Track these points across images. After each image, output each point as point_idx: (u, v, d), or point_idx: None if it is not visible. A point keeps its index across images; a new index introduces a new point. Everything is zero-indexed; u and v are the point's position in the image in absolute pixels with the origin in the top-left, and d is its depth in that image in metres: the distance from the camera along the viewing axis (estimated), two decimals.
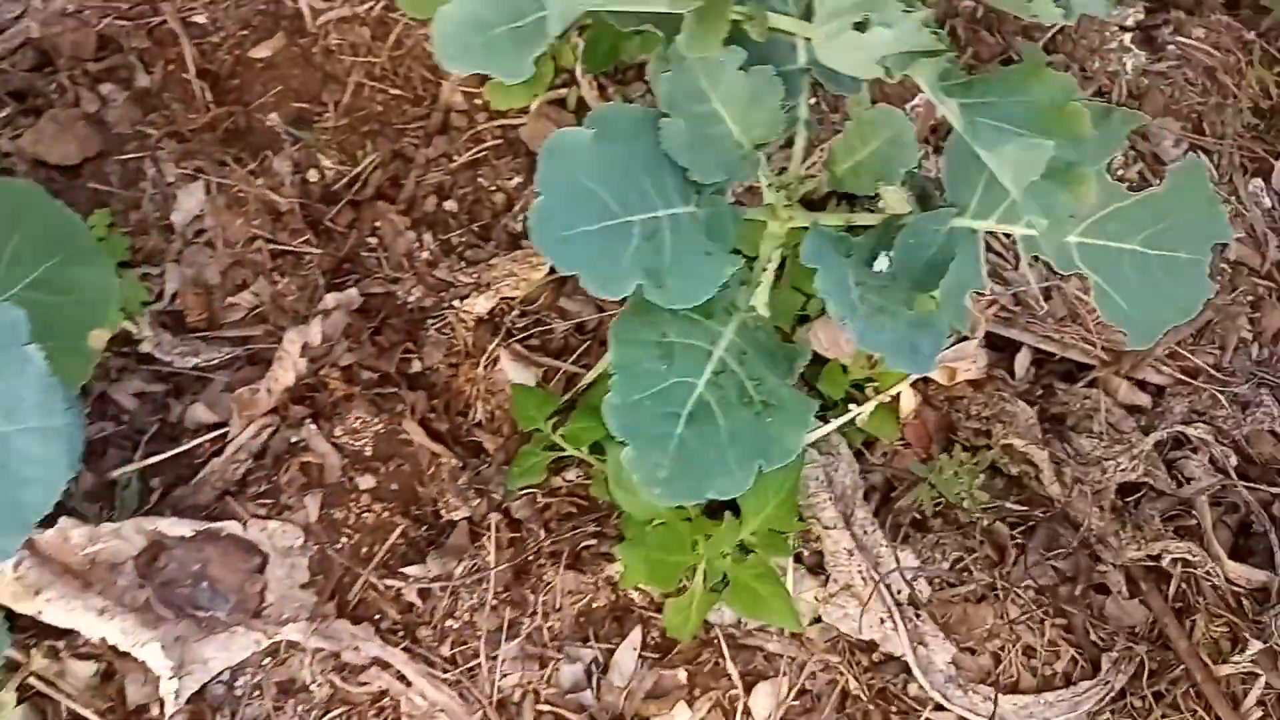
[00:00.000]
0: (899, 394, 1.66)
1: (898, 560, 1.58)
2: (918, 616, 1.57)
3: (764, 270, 1.40)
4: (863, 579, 1.56)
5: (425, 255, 1.94)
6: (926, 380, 1.70)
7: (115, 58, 2.01)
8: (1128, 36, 1.93)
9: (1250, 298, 1.85)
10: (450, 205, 1.97)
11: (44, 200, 1.54)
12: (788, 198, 1.38)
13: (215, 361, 1.85)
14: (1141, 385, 1.74)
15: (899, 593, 1.57)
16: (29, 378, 1.15)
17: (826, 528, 1.58)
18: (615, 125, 1.21)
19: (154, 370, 1.85)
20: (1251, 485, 1.68)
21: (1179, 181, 1.22)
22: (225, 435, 1.81)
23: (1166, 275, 1.21)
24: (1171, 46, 1.94)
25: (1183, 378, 1.72)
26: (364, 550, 1.70)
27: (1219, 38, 1.97)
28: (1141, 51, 1.93)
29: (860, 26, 0.98)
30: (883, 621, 1.55)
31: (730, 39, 1.20)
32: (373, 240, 1.95)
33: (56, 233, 1.53)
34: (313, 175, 1.97)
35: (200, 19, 2.02)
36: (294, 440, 1.82)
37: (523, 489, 1.75)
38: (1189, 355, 1.75)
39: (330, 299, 1.87)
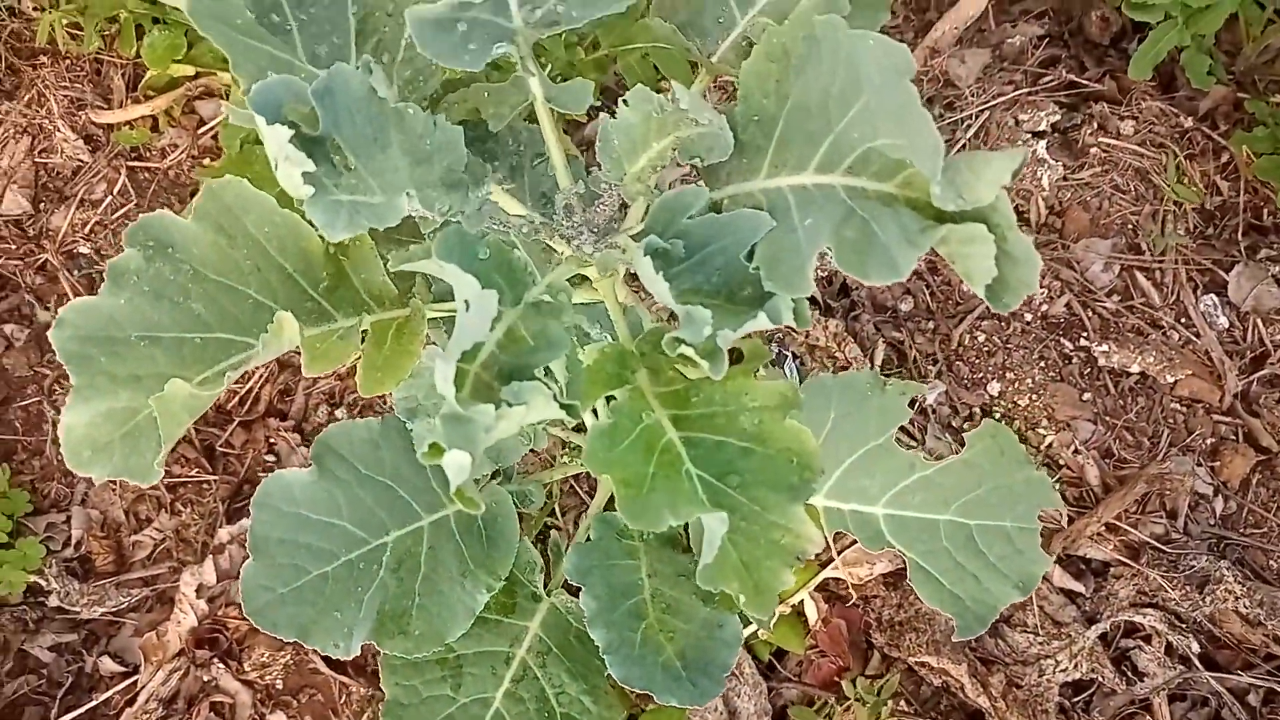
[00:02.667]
0: (802, 601, 1.50)
1: None
2: None
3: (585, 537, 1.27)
4: None
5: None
6: (836, 578, 1.54)
7: (13, 297, 2.02)
8: (1042, 145, 1.70)
9: (1209, 440, 1.59)
10: (341, 414, 1.90)
11: None
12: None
13: (125, 605, 1.84)
14: (1079, 566, 1.51)
15: None
16: None
17: None
18: (349, 446, 1.11)
19: (67, 619, 1.84)
20: (1220, 674, 1.43)
21: (986, 445, 1.04)
22: (136, 682, 1.80)
23: (994, 546, 1.03)
24: (1095, 149, 1.70)
25: (1125, 559, 1.49)
26: None
27: (1151, 130, 1.71)
28: (1059, 160, 1.69)
29: None
30: None
31: None
32: (270, 458, 1.90)
33: None
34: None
35: (84, 249, 2.01)
36: (205, 680, 1.80)
37: None
38: (1131, 529, 1.51)
39: (224, 533, 1.83)
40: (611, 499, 1.31)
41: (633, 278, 1.18)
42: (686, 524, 1.15)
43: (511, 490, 1.19)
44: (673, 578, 1.14)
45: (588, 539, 1.12)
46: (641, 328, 1.09)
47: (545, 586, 1.23)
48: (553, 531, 1.34)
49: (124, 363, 0.93)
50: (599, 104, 1.74)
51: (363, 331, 1.00)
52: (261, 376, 1.93)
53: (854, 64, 0.81)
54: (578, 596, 1.26)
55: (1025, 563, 1.04)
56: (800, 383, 1.26)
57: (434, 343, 1.07)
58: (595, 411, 1.06)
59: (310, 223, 1.00)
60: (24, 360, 1.98)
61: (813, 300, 1.68)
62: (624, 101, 0.94)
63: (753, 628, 1.52)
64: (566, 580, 1.28)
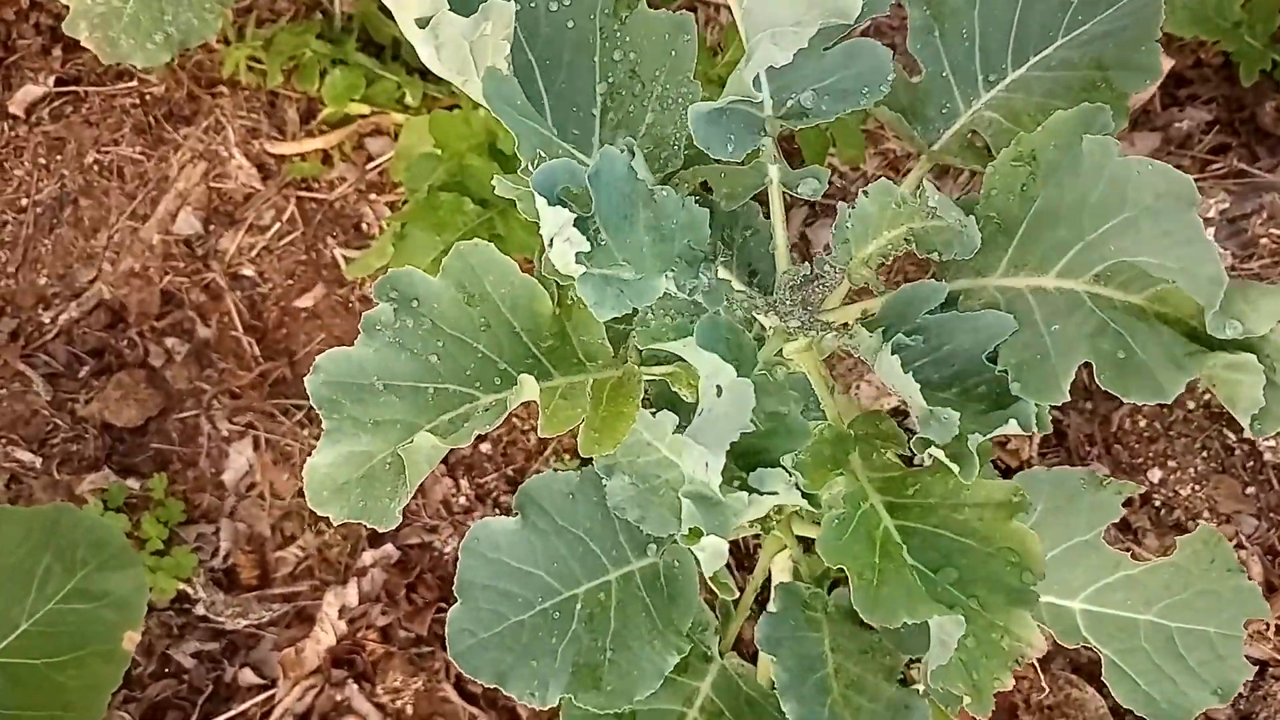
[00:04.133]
0: None
1: None
2: None
3: (751, 600, 1.29)
4: None
5: (461, 501, 1.93)
6: None
7: (177, 313, 2.11)
8: (1210, 232, 1.69)
9: None
10: (485, 448, 1.95)
11: (74, 514, 1.61)
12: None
13: (265, 619, 1.90)
14: None
15: None
16: None
17: None
18: (548, 498, 1.15)
19: (210, 628, 1.91)
20: None
21: (1198, 550, 1.04)
22: (274, 696, 1.85)
23: (1195, 650, 1.02)
24: (1265, 240, 1.69)
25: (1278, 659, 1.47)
26: None
27: None
28: (1228, 249, 1.68)
29: None
30: None
31: (659, 402, 1.12)
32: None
33: (89, 541, 1.61)
34: None
35: (248, 271, 2.09)
36: (338, 699, 1.85)
37: None
38: None
39: (367, 556, 1.89)
40: (776, 574, 1.32)
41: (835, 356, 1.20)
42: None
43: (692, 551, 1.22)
44: (855, 653, 1.15)
45: (774, 608, 1.14)
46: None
47: (718, 649, 1.25)
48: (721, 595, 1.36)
49: (367, 409, 0.98)
50: None
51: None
52: None
53: (1117, 181, 0.82)
54: (748, 660, 1.28)
55: (1226, 670, 1.04)
56: None
57: (649, 406, 1.11)
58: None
59: (545, 285, 1.05)
60: (184, 374, 2.07)
61: None
62: (864, 192, 0.97)
63: None
64: (734, 643, 1.30)
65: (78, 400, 2.05)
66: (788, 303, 1.04)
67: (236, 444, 2.00)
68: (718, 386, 0.83)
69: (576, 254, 0.83)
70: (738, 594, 1.16)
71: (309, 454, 2.03)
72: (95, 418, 2.03)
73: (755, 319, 1.08)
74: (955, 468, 0.81)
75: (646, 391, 1.19)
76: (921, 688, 1.10)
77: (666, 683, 1.19)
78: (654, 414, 1.12)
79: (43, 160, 2.22)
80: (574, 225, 0.83)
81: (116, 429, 2.03)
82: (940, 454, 0.82)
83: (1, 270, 2.17)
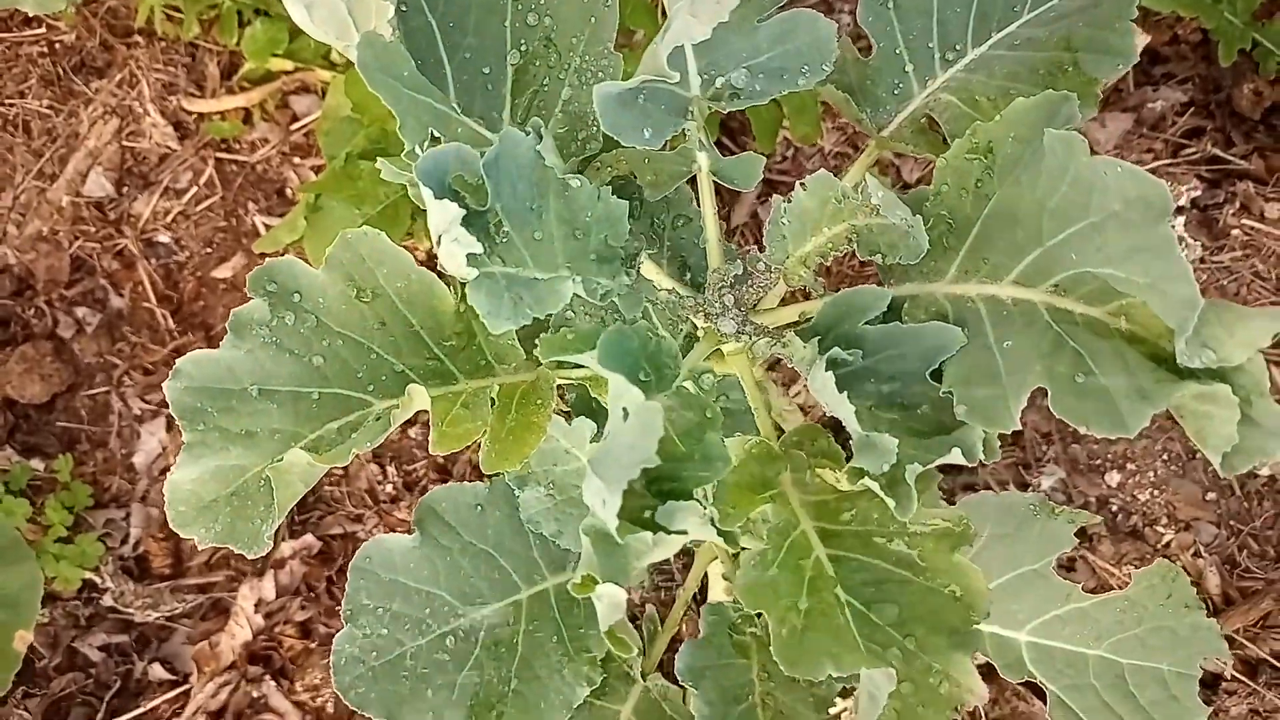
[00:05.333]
0: None
1: None
2: None
3: (681, 615, 1.21)
4: None
5: (388, 490, 1.82)
6: None
7: (88, 281, 1.97)
8: (1180, 221, 1.60)
9: None
10: (415, 433, 1.84)
11: None
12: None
13: (178, 611, 1.80)
14: None
15: None
16: None
17: None
18: (453, 511, 1.04)
19: (119, 620, 1.80)
20: None
21: (1153, 584, 0.95)
22: (187, 692, 1.75)
23: (1147, 689, 0.94)
24: (1237, 231, 1.60)
25: (1241, 676, 1.40)
26: None
27: None
28: (1198, 239, 1.59)
29: None
30: None
31: (577, 407, 1.02)
32: (337, 471, 1.85)
33: None
34: None
35: (164, 238, 1.96)
36: (255, 696, 1.75)
37: None
38: (1249, 644, 1.42)
39: (286, 547, 1.78)
40: (711, 583, 1.23)
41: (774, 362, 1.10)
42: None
43: None
44: (785, 681, 1.06)
45: (703, 632, 1.05)
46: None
47: (640, 669, 1.16)
48: (648, 606, 1.27)
49: (238, 418, 0.86)
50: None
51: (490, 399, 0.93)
52: None
53: (1082, 183, 0.72)
54: (672, 681, 1.19)
55: (1179, 710, 0.96)
56: None
57: (560, 412, 1.00)
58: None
59: (447, 282, 0.94)
60: (94, 347, 1.93)
61: None
62: (802, 185, 0.86)
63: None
64: (660, 663, 1.21)
65: None
66: (718, 304, 0.93)
67: (149, 424, 1.88)
68: (624, 409, 0.73)
69: (468, 255, 0.72)
70: (637, 653, 1.07)
71: None
72: None
73: (681, 315, 0.98)
74: (890, 501, 0.72)
75: (563, 396, 1.09)
76: None
77: (584, 706, 1.10)
78: (571, 422, 1.02)
79: None
80: (469, 220, 0.71)
81: (20, 405, 1.89)
82: (874, 485, 0.72)
83: None
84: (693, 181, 0.98)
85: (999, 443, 0.80)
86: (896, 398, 0.81)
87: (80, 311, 1.97)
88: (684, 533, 0.70)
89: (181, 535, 0.86)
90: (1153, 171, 1.69)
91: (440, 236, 0.73)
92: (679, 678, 1.01)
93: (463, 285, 0.94)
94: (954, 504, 0.99)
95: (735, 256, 0.95)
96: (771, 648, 0.74)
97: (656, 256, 1.05)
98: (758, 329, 0.93)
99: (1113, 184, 0.69)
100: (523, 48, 0.92)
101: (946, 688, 0.80)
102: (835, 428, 1.00)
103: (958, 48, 0.97)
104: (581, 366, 0.97)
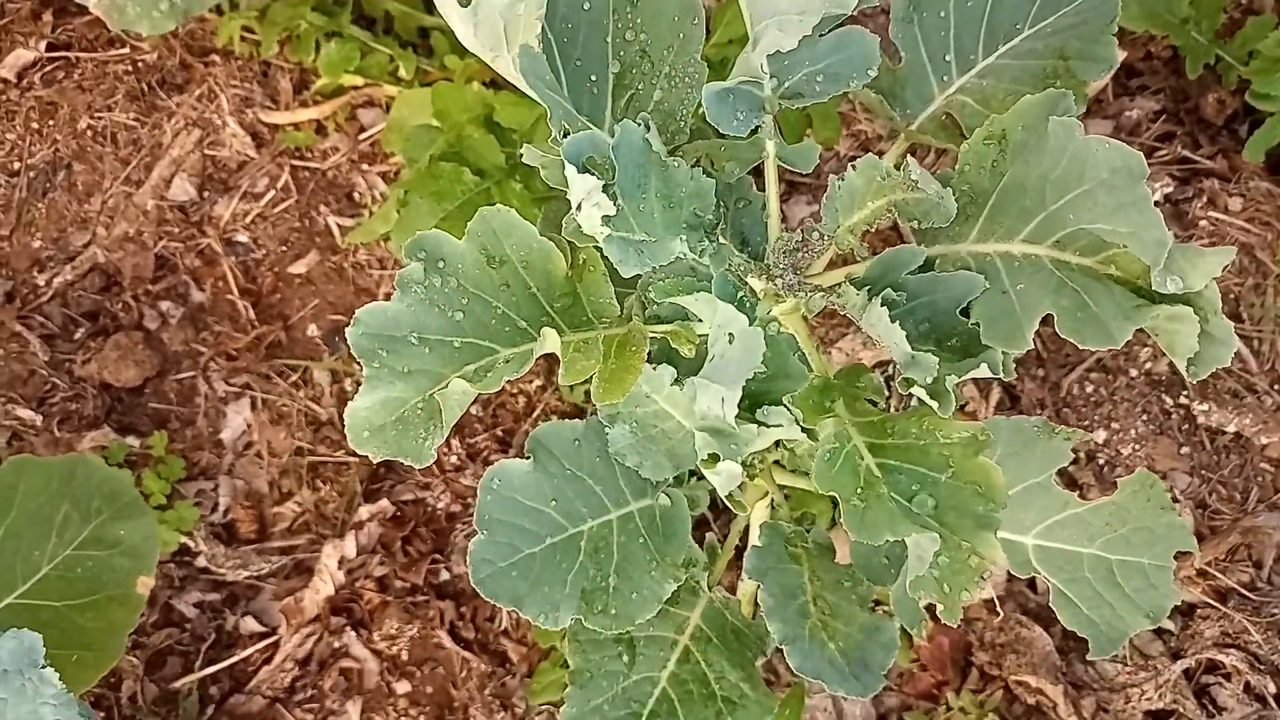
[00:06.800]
0: None
1: None
2: None
3: (735, 543, 1.41)
4: None
5: (453, 460, 2.02)
6: None
7: (171, 278, 2.17)
8: None
9: None
10: (475, 410, 2.04)
11: (90, 465, 1.69)
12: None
13: (264, 571, 1.98)
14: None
15: None
16: (47, 698, 1.27)
17: None
18: (556, 444, 1.25)
19: (211, 579, 1.99)
20: None
21: (1135, 490, 1.17)
22: (275, 643, 1.94)
23: (1131, 581, 1.16)
24: (1204, 222, 1.83)
25: (1212, 601, 1.62)
26: None
27: (1258, 209, 1.84)
28: (1171, 230, 1.81)
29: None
30: None
31: (658, 358, 1.23)
32: None
33: (103, 492, 1.68)
34: (349, 384, 2.08)
35: (243, 238, 2.16)
36: (337, 646, 1.94)
37: (542, 704, 1.80)
38: (1220, 575, 1.64)
39: (364, 511, 1.98)
40: (769, 507, 1.44)
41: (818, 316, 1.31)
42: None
43: (685, 494, 1.33)
44: (832, 584, 1.27)
45: (760, 543, 1.25)
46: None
47: (706, 582, 1.36)
48: (708, 535, 1.47)
49: (400, 359, 1.07)
50: None
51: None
52: None
53: (1078, 157, 0.94)
54: (732, 594, 1.40)
55: (1158, 596, 1.17)
56: None
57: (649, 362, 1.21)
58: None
59: (566, 250, 1.15)
60: (179, 336, 2.13)
61: None
62: (852, 167, 1.08)
63: None
64: (724, 578, 1.42)
65: (75, 361, 2.11)
66: (780, 266, 1.15)
67: (234, 404, 2.08)
68: (729, 334, 0.94)
69: (603, 217, 0.94)
70: (749, 509, 1.27)
71: (304, 413, 2.11)
72: (94, 377, 2.09)
73: (746, 283, 1.19)
74: (934, 404, 0.93)
75: (650, 347, 1.30)
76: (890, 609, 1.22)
77: (661, 613, 1.30)
78: (654, 368, 1.22)
79: (35, 125, 2.26)
80: (601, 193, 0.93)
81: (115, 388, 2.09)
82: (922, 392, 0.93)
83: None
84: (756, 171, 1.20)
85: (1011, 379, 1.02)
86: (933, 332, 1.02)
87: (164, 305, 2.17)
88: (779, 425, 0.91)
89: (359, 451, 1.06)
90: None
91: (580, 203, 0.94)
92: (746, 575, 1.22)
93: (573, 251, 1.16)
94: None
95: (794, 230, 1.17)
96: (843, 519, 0.95)
97: (723, 231, 1.26)
98: (813, 287, 1.15)
99: (1101, 157, 0.91)
100: (622, 58, 1.13)
101: (975, 560, 1.01)
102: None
103: (971, 58, 1.19)
104: (665, 323, 1.18)
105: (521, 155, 1.15)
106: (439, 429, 1.03)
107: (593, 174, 0.95)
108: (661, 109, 1.13)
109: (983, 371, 0.94)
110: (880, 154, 1.32)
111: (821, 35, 1.05)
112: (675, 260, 1.05)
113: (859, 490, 1.00)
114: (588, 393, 2.00)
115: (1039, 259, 1.00)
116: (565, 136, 0.96)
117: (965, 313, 1.01)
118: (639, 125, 1.00)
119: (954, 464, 1.03)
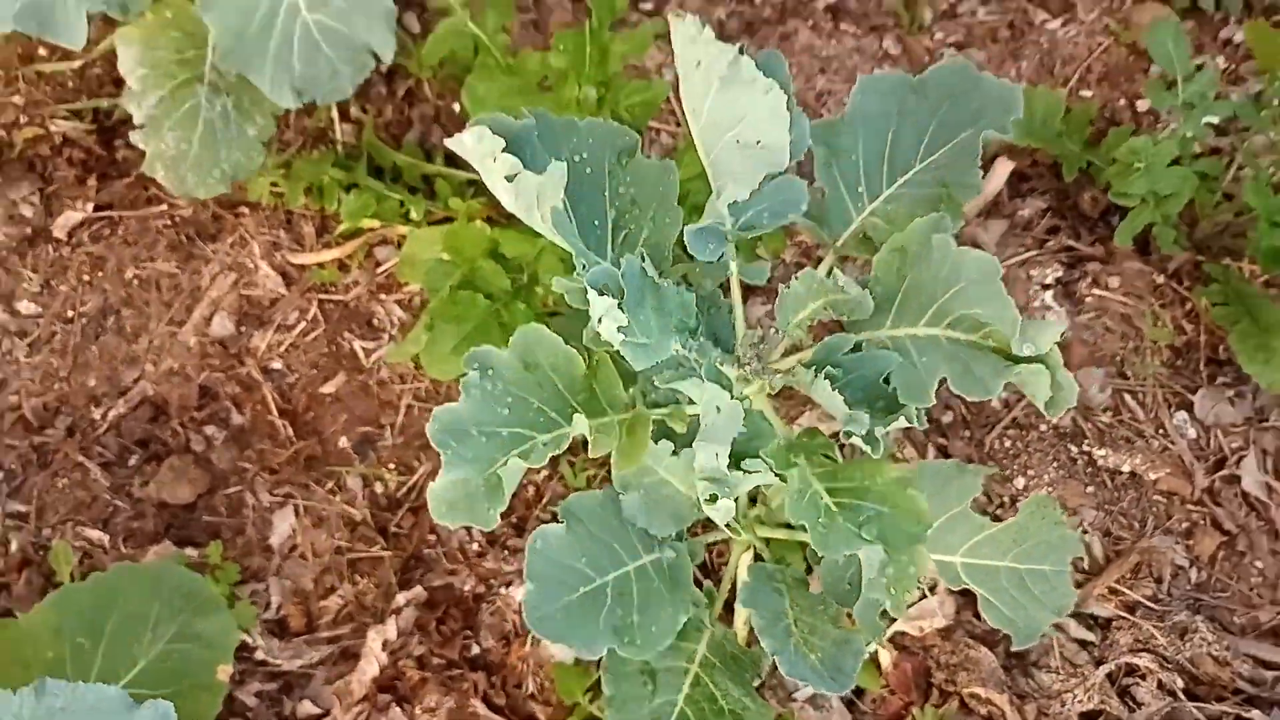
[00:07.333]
0: (876, 651, 1.94)
1: None
2: None
3: (728, 587, 1.72)
4: None
5: (475, 548, 2.32)
6: (903, 632, 1.97)
7: (214, 404, 2.47)
8: (1049, 294, 2.22)
9: (1184, 524, 2.07)
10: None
11: (173, 569, 1.96)
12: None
13: (315, 659, 2.24)
14: (1089, 621, 1.97)
15: None
16: None
17: None
18: (583, 511, 1.57)
19: (268, 671, 2.24)
20: (1200, 704, 1.88)
21: (1033, 511, 1.51)
22: None
23: (1037, 585, 1.49)
24: (1090, 299, 2.22)
25: (1124, 614, 1.95)
26: None
27: (1133, 285, 2.24)
28: (1063, 306, 2.21)
29: None
30: None
31: (658, 435, 1.55)
32: (432, 538, 2.34)
33: (184, 591, 1.95)
34: (378, 488, 2.38)
35: (278, 365, 2.48)
36: None
37: None
38: (1128, 590, 1.98)
39: (401, 597, 2.25)
40: (753, 556, 1.76)
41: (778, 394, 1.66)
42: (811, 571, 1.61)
43: (687, 547, 1.65)
44: (808, 608, 1.58)
45: (749, 579, 1.57)
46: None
47: (708, 619, 1.67)
48: (706, 582, 1.78)
49: (467, 447, 1.39)
50: None
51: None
52: (427, 470, 2.38)
53: (955, 264, 1.31)
54: (729, 626, 1.71)
55: (1059, 596, 1.50)
56: None
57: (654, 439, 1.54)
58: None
59: (583, 354, 1.49)
60: (226, 455, 2.42)
61: None
62: (795, 278, 1.44)
63: None
64: (721, 615, 1.73)
65: (133, 484, 2.39)
66: (747, 356, 1.50)
67: (278, 512, 2.36)
68: (717, 407, 1.28)
69: (618, 327, 1.28)
70: (738, 558, 1.59)
71: (341, 515, 2.40)
72: (152, 498, 2.37)
73: (723, 370, 1.53)
74: (868, 448, 1.27)
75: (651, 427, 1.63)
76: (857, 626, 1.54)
77: (674, 647, 1.61)
78: (656, 444, 1.56)
79: (86, 277, 2.58)
80: (616, 309, 1.27)
81: (171, 506, 2.37)
82: (859, 440, 1.27)
83: (55, 375, 2.50)
84: (723, 284, 1.56)
85: (924, 427, 1.35)
86: (864, 396, 1.37)
87: (209, 429, 2.47)
88: (758, 472, 1.24)
89: (440, 523, 1.36)
90: (1026, 260, 2.33)
91: (600, 317, 1.29)
92: (741, 604, 1.53)
93: (589, 355, 1.49)
94: None
95: (755, 327, 1.52)
96: (810, 540, 1.28)
97: (703, 331, 1.62)
98: (773, 370, 1.50)
99: (970, 262, 1.27)
100: (617, 206, 1.50)
101: (912, 568, 1.34)
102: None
103: (877, 190, 1.57)
104: (662, 407, 1.52)
105: (525, 279, 1.50)
106: (501, 499, 1.35)
107: (608, 295, 1.30)
108: (649, 243, 1.49)
109: (902, 422, 1.29)
110: (817, 261, 1.69)
111: (765, 184, 1.42)
112: (670, 356, 1.39)
113: (821, 520, 1.33)
114: (589, 477, 2.32)
115: (936, 337, 1.35)
116: (584, 268, 1.31)
117: (887, 380, 1.36)
118: (637, 258, 1.36)
119: (890, 497, 1.37)
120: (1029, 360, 1.24)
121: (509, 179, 1.29)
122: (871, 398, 1.36)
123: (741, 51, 1.27)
